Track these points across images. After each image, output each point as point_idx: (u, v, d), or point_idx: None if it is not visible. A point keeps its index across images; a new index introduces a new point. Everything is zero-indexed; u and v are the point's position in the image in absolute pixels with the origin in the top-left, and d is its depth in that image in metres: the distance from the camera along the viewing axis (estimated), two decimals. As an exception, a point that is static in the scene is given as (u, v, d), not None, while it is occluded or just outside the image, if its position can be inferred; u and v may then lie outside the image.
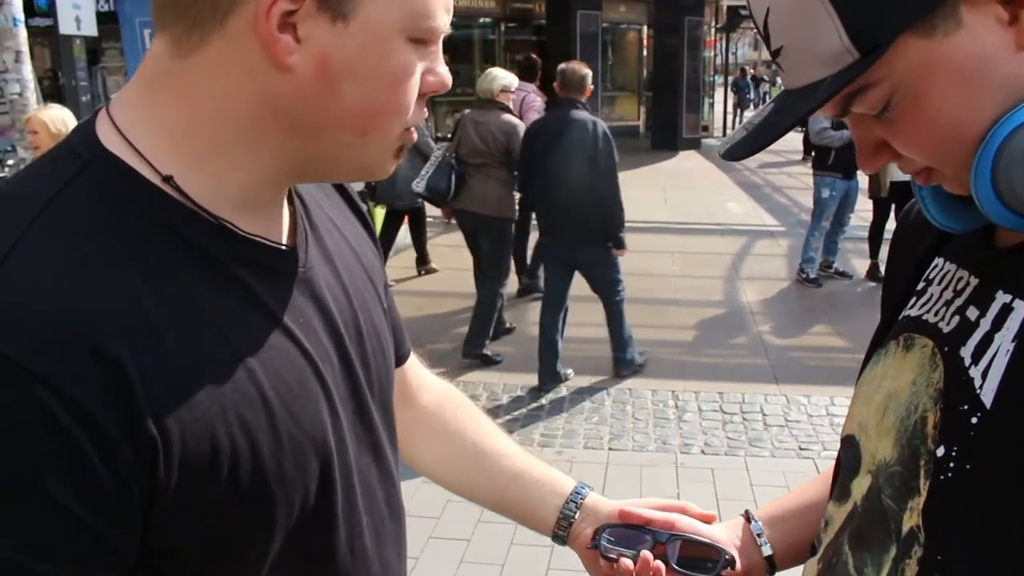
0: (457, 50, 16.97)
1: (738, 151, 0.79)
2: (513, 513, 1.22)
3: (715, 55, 23.24)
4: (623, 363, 5.28)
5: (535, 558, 3.33)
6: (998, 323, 0.74)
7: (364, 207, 1.05)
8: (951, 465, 0.74)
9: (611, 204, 4.83)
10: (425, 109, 0.80)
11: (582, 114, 4.84)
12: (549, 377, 5.10)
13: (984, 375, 0.73)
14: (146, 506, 0.66)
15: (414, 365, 1.22)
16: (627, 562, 1.08)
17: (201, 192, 0.73)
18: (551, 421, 4.77)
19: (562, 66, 5.06)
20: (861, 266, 7.62)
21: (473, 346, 5.47)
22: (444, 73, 0.79)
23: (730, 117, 23.47)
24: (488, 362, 5.49)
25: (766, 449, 4.32)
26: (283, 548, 0.77)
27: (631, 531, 1.12)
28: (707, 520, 1.15)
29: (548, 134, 4.84)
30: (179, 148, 0.72)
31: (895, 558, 0.81)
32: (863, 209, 7.73)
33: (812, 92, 0.72)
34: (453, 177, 5.35)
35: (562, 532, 1.17)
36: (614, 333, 5.23)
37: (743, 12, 25.81)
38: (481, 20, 17.24)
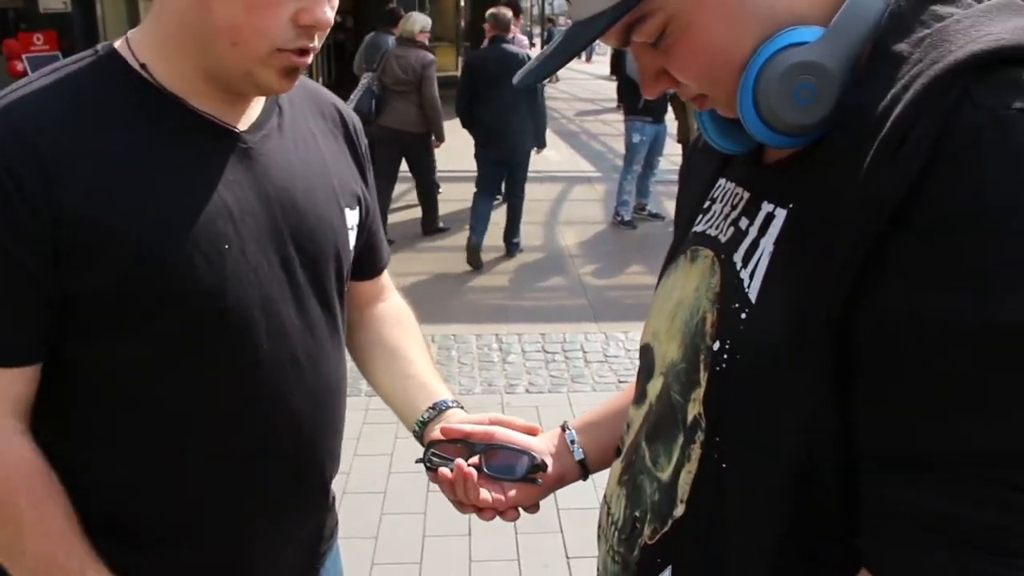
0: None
1: (530, 77, 0.87)
2: (393, 407, 1.38)
3: (532, 5, 23.42)
4: (515, 247, 6.83)
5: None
6: (763, 229, 0.82)
7: (364, 141, 1.35)
8: (725, 357, 0.81)
9: (540, 115, 6.59)
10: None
11: (512, 47, 6.38)
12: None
13: (752, 276, 0.81)
14: (56, 252, 0.96)
15: (384, 280, 1.50)
16: (444, 470, 1.15)
17: (165, 77, 1.05)
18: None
19: (491, 11, 6.55)
20: (673, 207, 7.91)
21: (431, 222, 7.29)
22: (321, 12, 1.00)
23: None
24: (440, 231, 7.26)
25: (587, 384, 4.49)
26: (176, 334, 1.04)
27: (453, 445, 1.19)
28: (531, 432, 1.22)
29: (488, 65, 6.25)
30: (151, 48, 1.05)
31: (682, 445, 0.88)
32: (673, 153, 8.05)
33: (594, 22, 0.78)
34: (373, 102, 6.75)
35: (418, 430, 1.30)
36: (512, 222, 6.79)
37: (556, -38, 26.10)
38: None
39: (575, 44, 0.81)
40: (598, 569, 1.07)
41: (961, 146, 0.64)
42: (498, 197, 7.27)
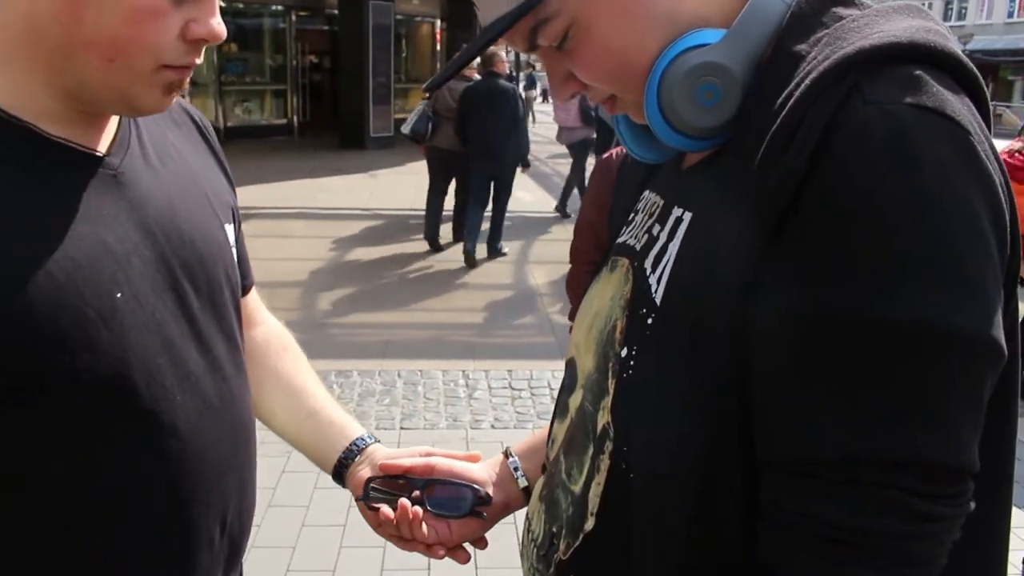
0: (247, 38, 16.44)
1: (438, 79, 0.89)
2: (305, 448, 1.28)
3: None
4: (497, 251, 7.90)
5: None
6: (672, 234, 0.82)
7: (216, 139, 1.19)
8: (632, 363, 0.80)
9: (522, 137, 7.80)
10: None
11: (500, 82, 7.49)
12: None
13: (659, 280, 0.80)
14: None
15: (254, 301, 1.32)
16: (386, 510, 1.12)
17: (6, 99, 0.85)
18: (342, 404, 4.70)
19: (487, 51, 7.15)
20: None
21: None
22: (213, 24, 0.88)
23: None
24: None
25: (552, 421, 4.46)
26: (80, 402, 0.88)
27: (394, 480, 1.15)
28: (472, 460, 1.19)
29: (481, 95, 7.38)
30: None
31: (592, 455, 0.87)
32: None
33: (497, 24, 0.79)
34: (430, 124, 7.77)
35: (341, 472, 1.22)
36: (495, 229, 7.90)
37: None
38: (272, 8, 16.76)
39: (479, 42, 0.82)
40: None
41: (849, 138, 0.64)
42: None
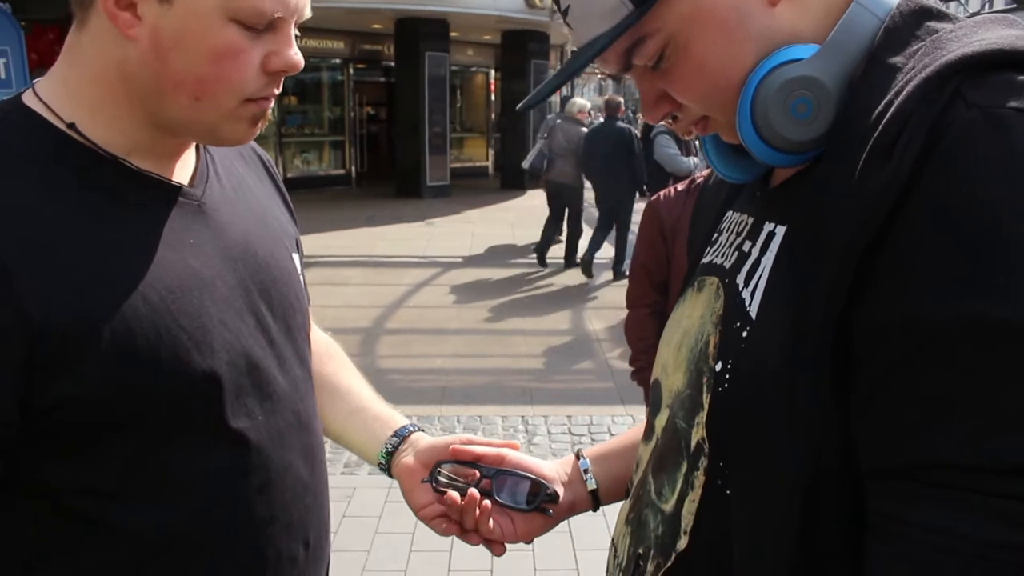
0: (306, 91, 16.86)
1: (532, 100, 0.90)
2: (350, 444, 1.31)
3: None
4: (622, 274, 8.51)
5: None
6: (764, 249, 0.82)
7: (280, 181, 1.25)
8: (727, 377, 0.80)
9: (637, 168, 8.47)
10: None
11: (618, 124, 8.66)
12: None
13: (752, 294, 0.80)
14: (27, 369, 0.81)
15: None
16: (453, 495, 1.12)
17: (102, 136, 0.91)
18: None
19: (607, 98, 9.42)
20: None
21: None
22: (291, 55, 0.92)
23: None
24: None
25: (613, 467, 4.40)
26: (171, 421, 0.91)
27: (463, 467, 1.15)
28: (510, 448, 1.19)
29: (602, 136, 8.63)
30: (78, 102, 0.91)
31: (686, 473, 0.86)
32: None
33: (594, 43, 0.80)
34: (545, 161, 9.28)
35: (384, 462, 1.25)
36: (619, 253, 8.89)
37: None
38: (331, 61, 17.17)
39: (574, 65, 0.83)
40: None
41: (954, 143, 0.63)
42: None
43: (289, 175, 15.91)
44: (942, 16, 0.76)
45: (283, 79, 0.95)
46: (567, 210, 9.46)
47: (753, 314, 0.79)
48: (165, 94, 0.89)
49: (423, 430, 1.27)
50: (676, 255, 2.62)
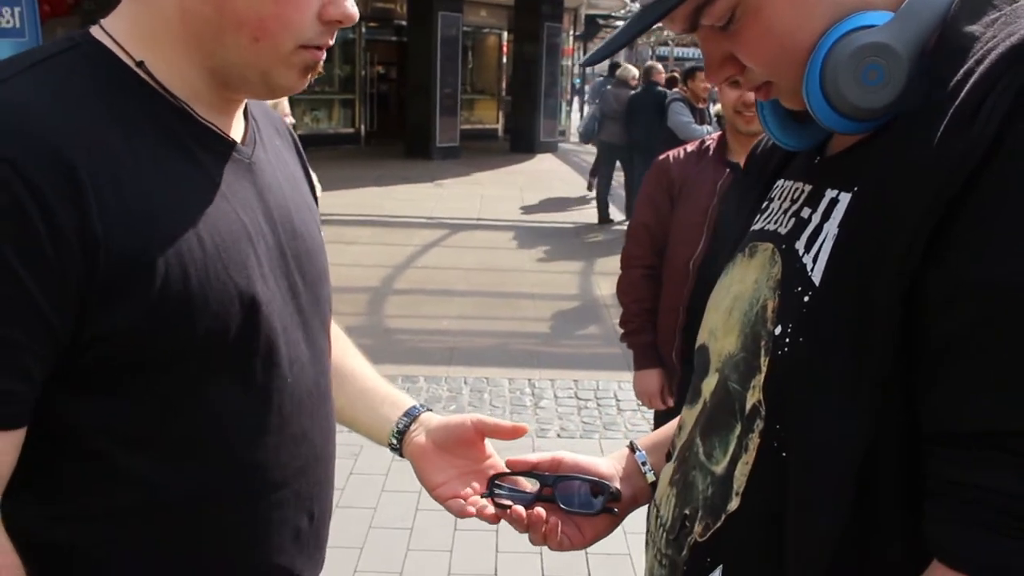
0: (315, 48, 16.69)
1: (596, 56, 0.89)
2: (360, 426, 1.31)
3: (573, 64, 23.67)
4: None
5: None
6: (826, 215, 0.81)
7: (306, 160, 1.24)
8: (787, 340, 0.79)
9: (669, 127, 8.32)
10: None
11: (661, 88, 8.94)
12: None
13: (815, 259, 0.80)
14: (82, 289, 0.82)
15: None
16: (519, 509, 1.10)
17: (166, 78, 0.92)
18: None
19: (646, 64, 9.77)
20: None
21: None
22: (347, 6, 0.93)
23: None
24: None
25: (620, 432, 4.43)
26: (203, 368, 0.92)
27: (519, 478, 1.14)
28: (516, 433, 1.20)
29: (642, 99, 9.03)
30: (144, 42, 0.91)
31: (739, 435, 0.86)
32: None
33: (664, 2, 0.79)
34: (596, 124, 10.11)
35: (396, 442, 1.25)
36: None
37: (600, 21, 26.44)
38: (340, 18, 16.99)
39: (642, 23, 0.82)
40: None
41: None
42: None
43: (299, 132, 15.65)
44: None
45: (336, 31, 0.95)
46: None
47: (816, 279, 0.79)
48: (225, 33, 0.90)
49: (431, 410, 1.29)
50: (679, 216, 2.59)
